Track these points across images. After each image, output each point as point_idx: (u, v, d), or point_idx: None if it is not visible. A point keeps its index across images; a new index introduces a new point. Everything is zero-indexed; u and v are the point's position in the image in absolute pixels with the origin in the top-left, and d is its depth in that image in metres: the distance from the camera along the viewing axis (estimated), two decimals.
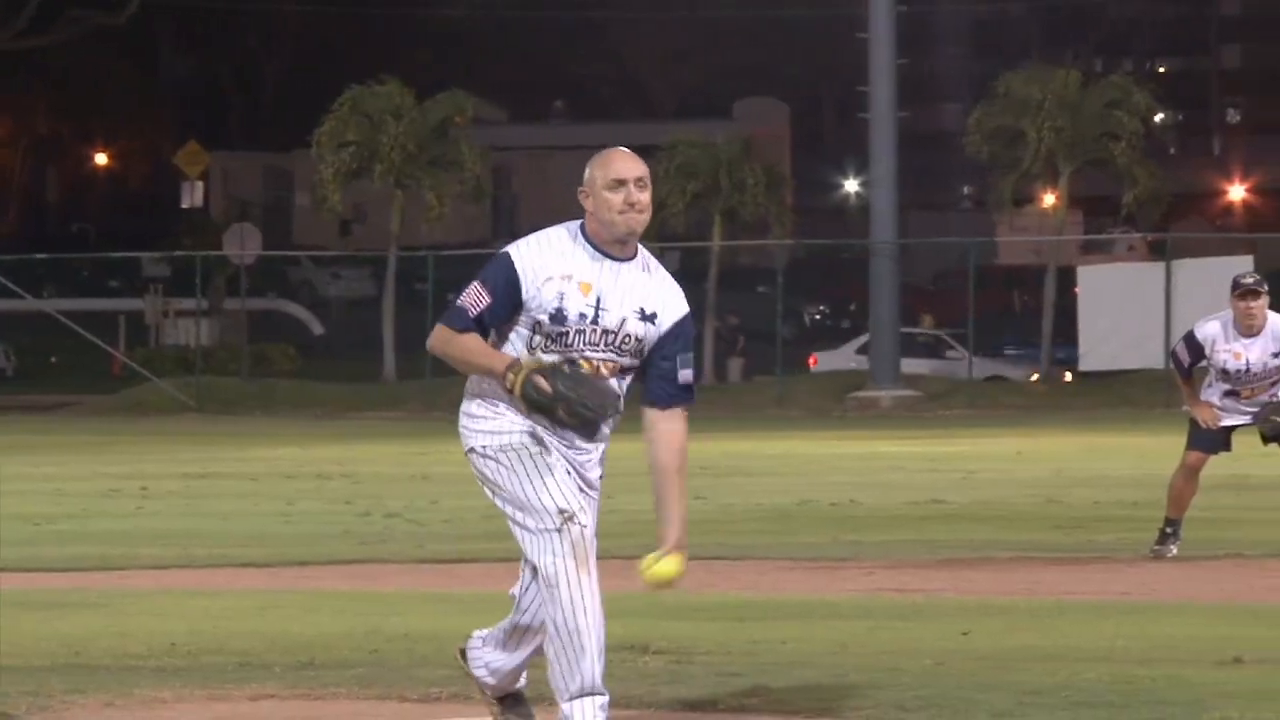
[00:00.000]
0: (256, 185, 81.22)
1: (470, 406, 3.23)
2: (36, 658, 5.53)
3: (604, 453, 3.30)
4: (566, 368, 2.98)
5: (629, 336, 3.13)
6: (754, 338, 49.06)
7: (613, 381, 3.14)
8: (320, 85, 55.07)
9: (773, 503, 15.74)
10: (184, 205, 57.97)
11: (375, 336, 44.07)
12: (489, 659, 3.43)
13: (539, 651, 3.25)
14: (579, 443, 3.11)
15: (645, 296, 3.17)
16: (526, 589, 3.20)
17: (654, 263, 3.31)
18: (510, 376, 2.96)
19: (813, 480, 18.53)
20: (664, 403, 3.12)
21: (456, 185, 44.15)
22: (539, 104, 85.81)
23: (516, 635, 3.33)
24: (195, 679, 4.93)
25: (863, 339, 45.56)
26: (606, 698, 3.12)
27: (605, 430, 3.17)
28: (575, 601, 2.96)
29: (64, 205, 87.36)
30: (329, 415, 38.82)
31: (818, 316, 60.19)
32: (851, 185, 70.18)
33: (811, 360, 45.46)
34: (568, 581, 2.95)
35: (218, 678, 4.98)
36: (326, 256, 67.01)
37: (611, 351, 3.11)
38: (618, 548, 5.34)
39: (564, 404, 2.90)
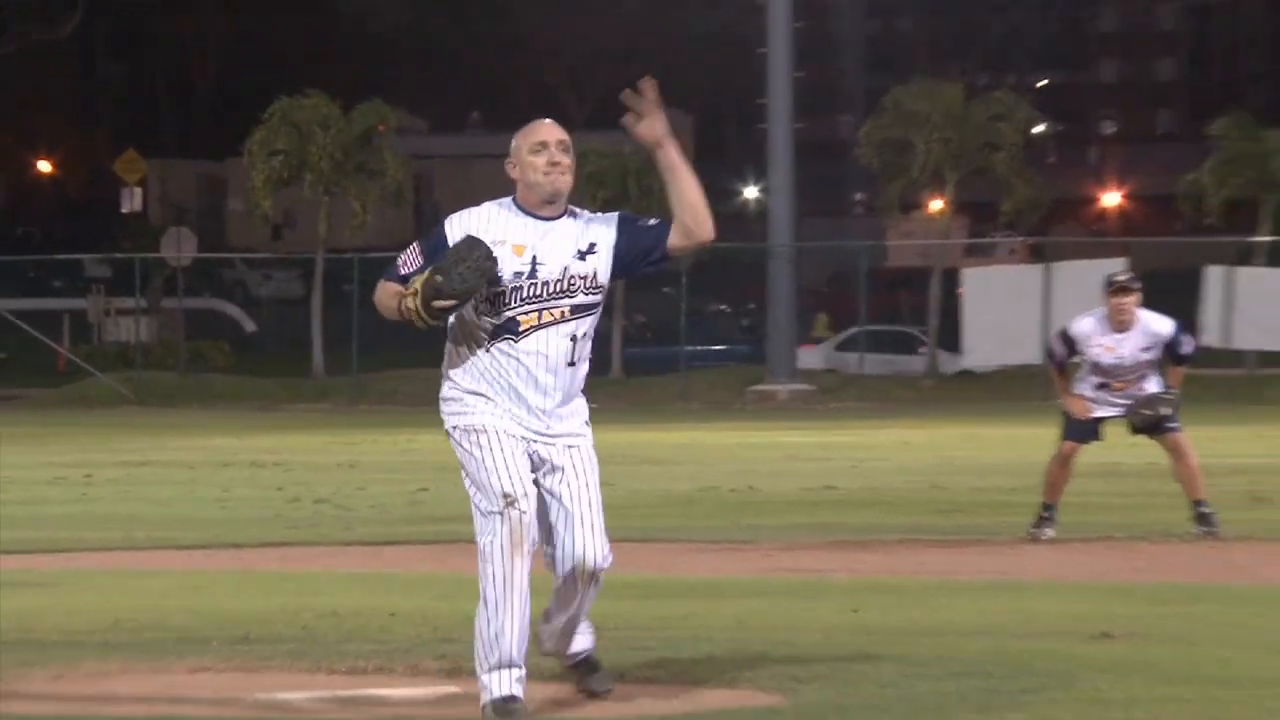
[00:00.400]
0: (192, 191, 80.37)
1: (443, 389, 3.39)
2: None
3: (579, 394, 3.48)
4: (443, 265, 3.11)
5: (575, 277, 3.28)
6: (660, 334, 49.29)
7: (566, 328, 3.30)
8: (250, 95, 54.38)
9: (677, 489, 15.76)
10: (124, 210, 56.66)
11: (305, 334, 43.39)
12: (546, 630, 3.58)
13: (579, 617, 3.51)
14: (536, 401, 3.29)
15: (578, 238, 3.32)
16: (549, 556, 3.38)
17: (583, 212, 3.49)
18: (408, 300, 3.13)
19: (714, 468, 18.58)
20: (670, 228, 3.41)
21: (379, 192, 43.73)
22: (458, 115, 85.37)
23: (558, 598, 3.46)
24: (138, 653, 4.94)
25: (847, 333, 46.46)
26: (523, 671, 3.25)
27: (570, 378, 3.37)
28: (504, 581, 3.10)
29: (10, 210, 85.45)
30: (261, 408, 38.14)
31: (719, 315, 60.27)
32: (751, 192, 70.12)
33: (805, 347, 44.84)
34: (501, 561, 3.09)
35: (159, 652, 4.98)
36: (258, 259, 66.17)
37: (560, 298, 3.26)
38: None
39: (456, 277, 3.05)
